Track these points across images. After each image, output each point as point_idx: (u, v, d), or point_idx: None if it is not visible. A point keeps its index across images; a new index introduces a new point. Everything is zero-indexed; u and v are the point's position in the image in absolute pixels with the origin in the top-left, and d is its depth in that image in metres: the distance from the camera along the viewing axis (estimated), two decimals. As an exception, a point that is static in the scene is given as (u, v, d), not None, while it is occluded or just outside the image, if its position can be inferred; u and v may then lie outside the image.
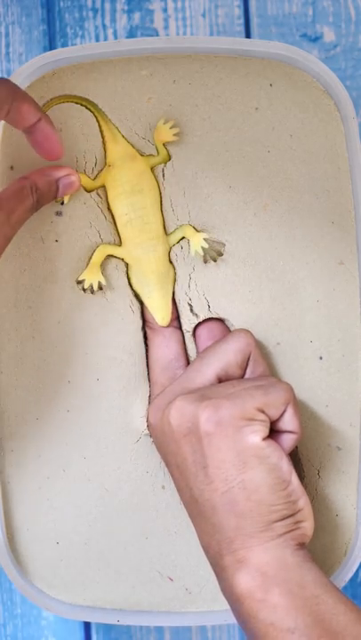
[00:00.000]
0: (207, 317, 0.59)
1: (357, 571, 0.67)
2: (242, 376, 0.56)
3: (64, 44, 0.67)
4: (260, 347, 0.58)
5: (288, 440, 0.54)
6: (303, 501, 0.53)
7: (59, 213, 0.59)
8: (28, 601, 0.67)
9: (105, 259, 0.58)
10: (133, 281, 0.58)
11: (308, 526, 0.53)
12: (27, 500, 0.59)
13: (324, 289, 0.59)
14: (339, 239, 0.59)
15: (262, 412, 0.53)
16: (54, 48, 0.66)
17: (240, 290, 0.59)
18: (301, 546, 0.52)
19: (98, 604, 0.60)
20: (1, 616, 0.67)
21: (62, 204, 0.58)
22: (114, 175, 0.58)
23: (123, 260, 0.58)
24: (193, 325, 0.59)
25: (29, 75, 0.58)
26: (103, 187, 0.58)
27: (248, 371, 0.56)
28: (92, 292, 0.58)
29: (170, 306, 0.58)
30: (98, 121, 0.58)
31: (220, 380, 0.55)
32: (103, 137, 0.58)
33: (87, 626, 0.67)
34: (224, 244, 0.59)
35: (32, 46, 0.67)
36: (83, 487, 0.59)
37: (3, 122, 0.58)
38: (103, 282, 0.58)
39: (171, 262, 0.59)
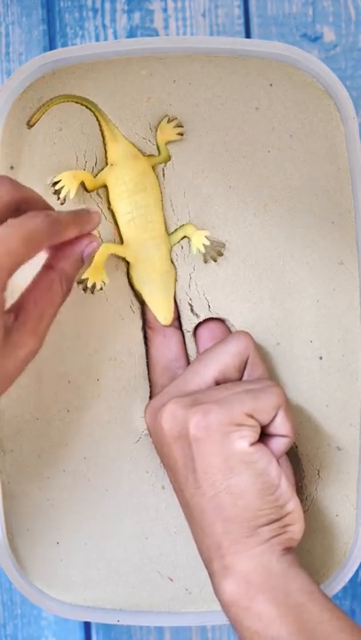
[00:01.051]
0: (207, 317, 0.59)
1: (357, 571, 0.67)
2: (240, 379, 0.56)
3: (64, 44, 0.67)
4: (259, 348, 0.58)
5: (280, 444, 0.54)
6: (292, 504, 0.53)
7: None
8: (28, 601, 0.67)
9: (105, 259, 0.58)
10: (135, 280, 0.58)
11: (296, 530, 0.53)
12: (27, 500, 0.59)
13: (324, 289, 0.59)
14: (339, 239, 0.59)
15: (251, 417, 0.52)
16: (54, 48, 0.66)
17: (240, 290, 0.59)
18: (288, 550, 0.52)
19: (98, 604, 0.60)
20: (1, 616, 0.67)
21: (62, 204, 0.58)
22: (117, 174, 0.57)
23: (124, 259, 0.58)
24: (193, 325, 0.59)
25: (29, 75, 0.57)
26: (104, 186, 0.58)
27: (246, 374, 0.56)
28: (92, 291, 0.58)
29: (172, 305, 0.58)
30: (98, 120, 0.58)
31: (218, 383, 0.55)
32: (103, 136, 0.58)
33: (87, 626, 0.67)
34: (224, 244, 0.58)
35: (32, 46, 0.66)
36: (83, 487, 0.59)
37: (3, 122, 0.58)
38: (106, 281, 0.58)
39: (172, 261, 0.59)
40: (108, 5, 0.67)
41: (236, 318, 0.59)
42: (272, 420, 0.53)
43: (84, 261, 0.54)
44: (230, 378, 0.55)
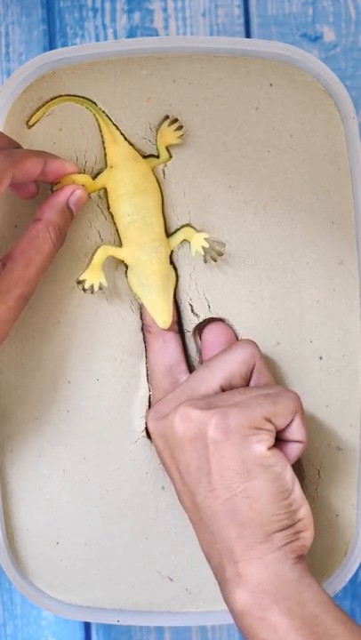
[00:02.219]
0: (208, 317, 0.59)
1: (357, 571, 0.67)
2: (245, 385, 0.56)
3: (64, 44, 0.67)
4: (263, 356, 0.58)
5: (294, 449, 0.54)
6: (304, 511, 0.52)
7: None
8: (28, 601, 0.67)
9: (105, 258, 0.58)
10: (134, 283, 0.58)
11: (307, 536, 0.53)
12: (27, 500, 0.59)
13: (325, 289, 0.59)
14: (339, 239, 0.59)
15: (269, 421, 0.52)
16: (54, 48, 0.66)
17: (240, 290, 0.59)
18: (300, 558, 0.52)
19: (98, 604, 0.60)
20: (1, 616, 0.67)
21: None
22: (116, 176, 0.57)
23: (123, 261, 0.58)
24: (193, 325, 0.59)
25: (29, 75, 0.58)
26: (104, 189, 0.58)
27: (252, 382, 0.56)
28: (92, 291, 0.58)
29: (171, 308, 0.58)
30: (98, 122, 0.58)
31: (223, 390, 0.55)
32: (103, 138, 0.58)
33: (87, 626, 0.67)
34: (224, 244, 0.58)
35: (32, 46, 0.66)
36: (83, 487, 0.59)
37: (3, 122, 0.58)
38: (104, 283, 0.57)
39: (172, 264, 0.59)
40: (108, 5, 0.67)
41: (236, 318, 0.59)
42: (288, 426, 0.53)
43: (72, 211, 0.56)
44: (236, 386, 0.55)
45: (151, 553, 0.60)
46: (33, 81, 0.58)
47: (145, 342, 0.59)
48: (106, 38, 0.67)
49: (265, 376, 0.56)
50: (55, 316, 0.59)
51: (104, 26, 0.67)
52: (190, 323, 0.59)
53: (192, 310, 0.59)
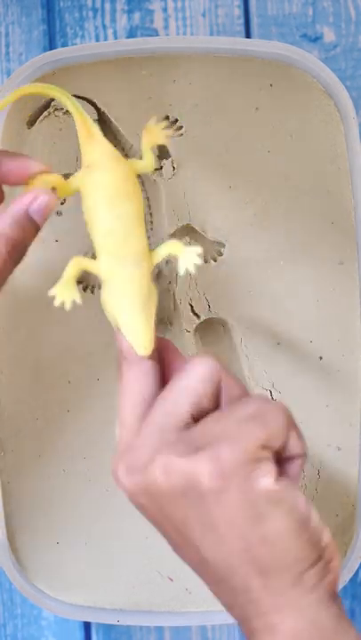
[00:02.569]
0: (207, 318, 0.59)
1: (357, 571, 0.67)
2: (216, 407, 0.47)
3: (64, 44, 0.66)
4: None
5: (296, 465, 0.47)
6: (327, 535, 0.46)
7: (59, 213, 0.59)
8: (28, 601, 0.67)
9: (78, 272, 0.50)
10: (108, 302, 0.48)
11: (337, 565, 0.46)
12: (27, 500, 0.59)
13: (325, 289, 0.59)
14: (339, 239, 0.59)
15: (265, 447, 0.44)
16: (54, 48, 0.66)
17: (240, 290, 0.59)
18: (334, 596, 0.45)
19: (98, 604, 0.60)
20: (1, 616, 0.67)
21: (62, 203, 0.58)
22: (94, 178, 0.48)
23: (98, 276, 0.49)
24: (194, 325, 0.59)
25: (29, 75, 0.58)
26: (79, 192, 0.49)
27: (223, 400, 0.47)
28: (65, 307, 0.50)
29: (152, 333, 0.48)
30: (71, 113, 0.51)
31: (196, 419, 0.46)
32: (78, 134, 0.50)
33: (87, 626, 0.67)
34: (224, 244, 0.58)
35: (32, 46, 0.66)
36: (83, 487, 0.59)
37: (3, 122, 0.58)
38: (78, 300, 0.49)
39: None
40: (108, 5, 0.67)
41: (236, 318, 0.59)
42: (285, 443, 0.46)
43: (36, 222, 0.48)
44: (207, 408, 0.46)
45: (151, 553, 0.60)
46: (33, 81, 0.58)
47: (119, 370, 0.49)
48: (106, 38, 0.67)
49: (236, 387, 0.47)
50: (55, 316, 0.59)
51: (104, 26, 0.67)
52: (190, 323, 0.59)
53: (192, 310, 0.59)
